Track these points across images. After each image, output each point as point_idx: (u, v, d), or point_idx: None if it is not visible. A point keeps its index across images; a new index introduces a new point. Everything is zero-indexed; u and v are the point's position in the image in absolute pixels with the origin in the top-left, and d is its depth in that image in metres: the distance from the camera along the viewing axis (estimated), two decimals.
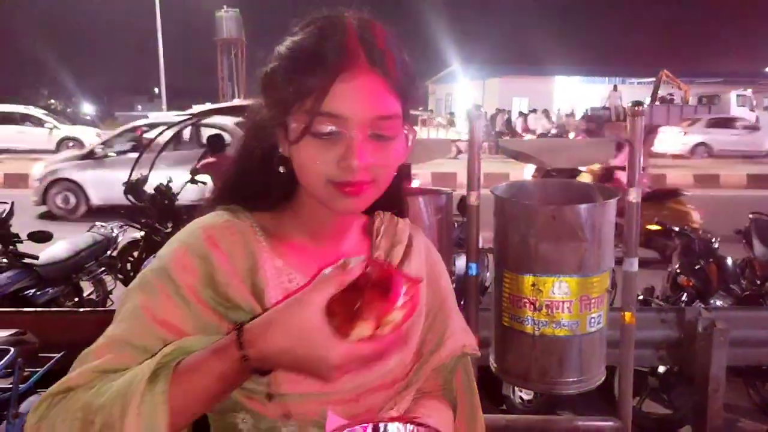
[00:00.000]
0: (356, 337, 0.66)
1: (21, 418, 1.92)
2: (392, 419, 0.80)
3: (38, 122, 18.64)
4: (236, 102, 8.87)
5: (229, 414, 0.82)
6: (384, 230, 0.93)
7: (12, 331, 2.12)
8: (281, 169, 0.83)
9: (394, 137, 0.79)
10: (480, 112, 2.34)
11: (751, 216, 4.49)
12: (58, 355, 2.14)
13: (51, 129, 18.18)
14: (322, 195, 0.80)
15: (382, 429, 0.78)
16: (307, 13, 0.82)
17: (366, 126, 0.76)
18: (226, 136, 6.66)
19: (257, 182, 0.87)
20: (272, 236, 0.86)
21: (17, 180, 12.10)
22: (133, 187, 5.19)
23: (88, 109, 40.96)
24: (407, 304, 0.68)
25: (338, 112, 0.75)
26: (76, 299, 4.42)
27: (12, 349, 1.99)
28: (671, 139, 18.18)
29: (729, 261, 4.04)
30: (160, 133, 6.32)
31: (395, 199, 0.94)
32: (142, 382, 0.68)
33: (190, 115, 6.60)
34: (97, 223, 4.85)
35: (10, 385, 2.05)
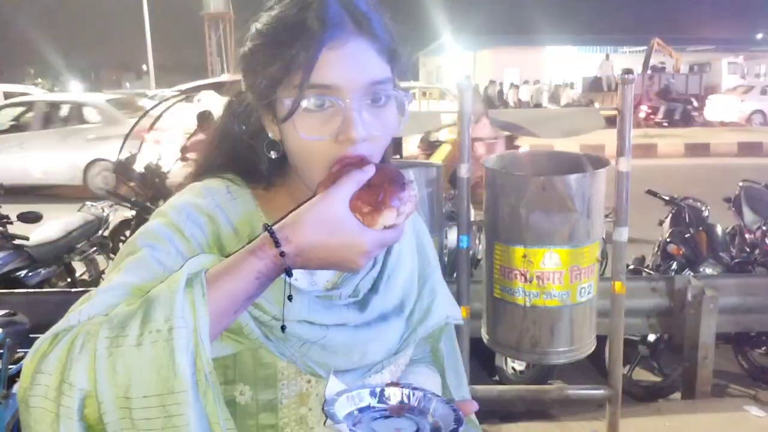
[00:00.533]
0: (382, 224, 0.72)
1: (12, 399, 1.93)
2: (388, 385, 0.82)
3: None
4: (224, 77, 8.79)
5: (229, 386, 0.81)
6: None
7: (2, 312, 2.11)
8: (272, 155, 0.81)
9: (388, 103, 0.78)
10: (469, 84, 2.32)
11: (740, 184, 4.50)
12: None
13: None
14: (320, 177, 0.77)
15: (378, 393, 0.80)
16: None
17: (360, 94, 0.74)
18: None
19: (247, 161, 0.85)
20: (268, 209, 0.85)
21: None
22: (122, 166, 5.15)
23: (75, 87, 40.41)
24: (414, 196, 0.74)
25: (330, 82, 0.73)
26: (69, 280, 4.41)
27: (0, 330, 1.98)
28: (727, 107, 18.08)
29: (718, 229, 4.06)
30: (147, 112, 6.25)
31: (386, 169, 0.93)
32: (179, 290, 0.66)
33: (177, 91, 6.52)
34: (87, 202, 4.81)
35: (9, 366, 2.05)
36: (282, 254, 0.69)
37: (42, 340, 0.67)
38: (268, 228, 0.71)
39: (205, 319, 0.65)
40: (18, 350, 2.03)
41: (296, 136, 0.75)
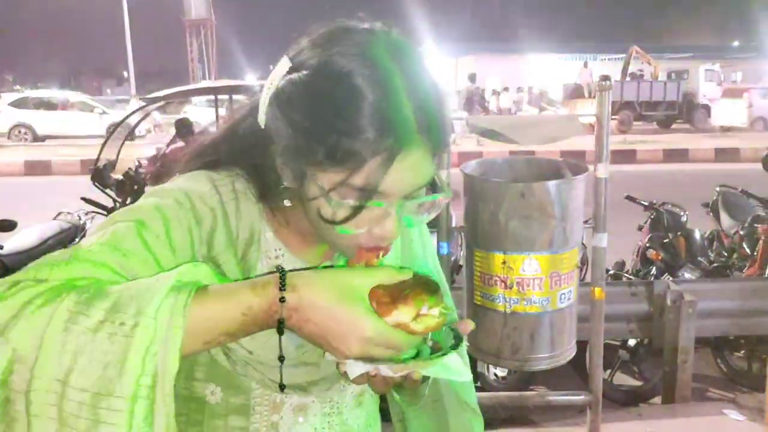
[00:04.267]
0: (395, 320, 0.65)
1: None
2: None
3: (87, 107, 18.31)
4: (205, 84, 8.73)
5: (199, 384, 0.79)
6: None
7: None
8: (286, 203, 0.75)
9: (428, 193, 0.74)
10: (450, 90, 2.32)
11: (717, 189, 4.56)
12: None
13: (101, 114, 17.86)
14: (338, 248, 0.74)
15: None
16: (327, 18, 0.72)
17: (406, 197, 0.70)
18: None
19: (258, 169, 0.78)
20: (270, 220, 0.80)
21: (70, 167, 11.91)
22: (99, 173, 5.08)
23: (55, 93, 39.95)
24: (443, 316, 0.68)
25: (382, 189, 0.67)
26: None
27: None
28: (735, 112, 18.24)
29: (697, 234, 4.10)
30: (127, 117, 6.19)
31: None
32: (163, 288, 0.59)
33: (156, 97, 6.46)
34: (63, 210, 4.74)
35: None
36: (282, 300, 0.63)
37: (0, 282, 0.60)
38: (279, 269, 0.66)
39: (179, 332, 0.58)
40: None
41: (323, 215, 0.70)
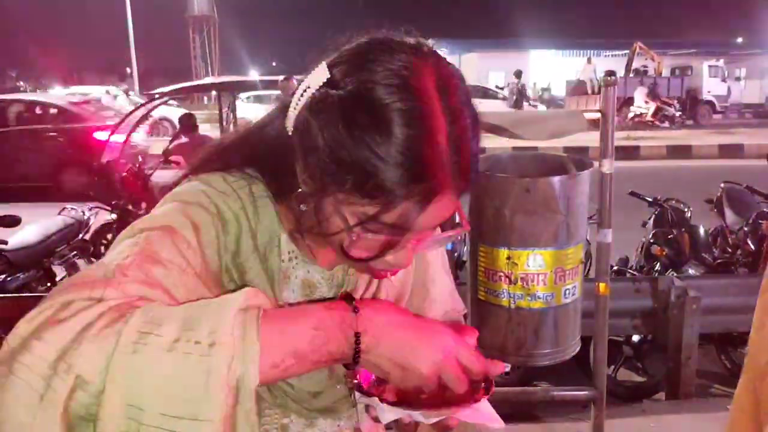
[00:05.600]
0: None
1: None
2: None
3: (131, 103, 18.36)
4: (208, 80, 8.73)
5: None
6: None
7: None
8: (303, 207, 0.71)
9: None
10: None
11: (722, 185, 4.55)
12: None
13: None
14: (351, 266, 0.75)
15: None
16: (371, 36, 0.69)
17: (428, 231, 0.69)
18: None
19: (274, 170, 0.75)
20: (286, 225, 0.77)
21: None
22: (102, 169, 5.09)
23: (58, 91, 40.02)
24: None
25: (408, 226, 0.65)
26: (49, 284, 4.34)
27: None
28: None
29: (701, 230, 4.10)
30: (130, 113, 6.19)
31: None
32: (233, 306, 0.56)
33: (159, 94, 6.47)
34: (67, 206, 4.75)
35: None
36: (355, 310, 0.61)
37: (49, 304, 0.55)
38: (346, 294, 0.67)
39: (256, 347, 0.55)
40: None
41: (340, 238, 0.68)
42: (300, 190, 0.70)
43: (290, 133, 0.69)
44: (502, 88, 21.05)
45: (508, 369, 3.35)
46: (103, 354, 0.52)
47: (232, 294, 0.59)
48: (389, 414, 0.65)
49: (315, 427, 0.81)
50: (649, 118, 18.19)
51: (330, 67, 0.66)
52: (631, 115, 18.42)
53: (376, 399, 0.66)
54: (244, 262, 0.73)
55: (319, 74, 0.66)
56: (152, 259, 0.63)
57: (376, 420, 0.67)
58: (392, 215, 0.63)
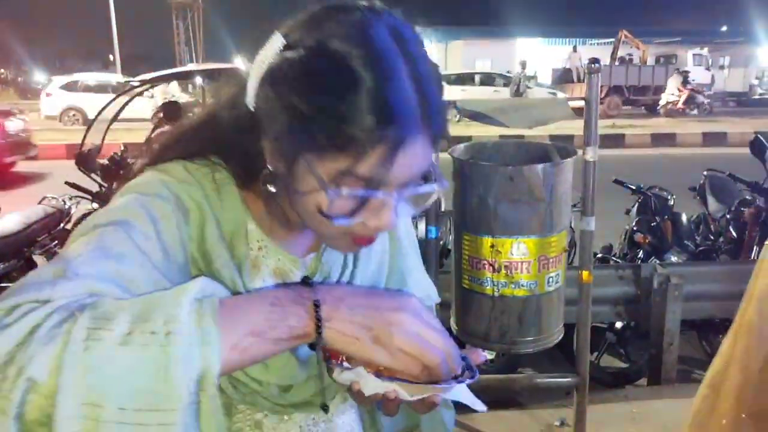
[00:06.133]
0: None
1: None
2: None
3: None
4: (191, 67, 8.63)
5: None
6: None
7: None
8: (271, 188, 0.69)
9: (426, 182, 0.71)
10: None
11: (705, 173, 4.58)
12: None
13: (150, 98, 17.74)
14: (328, 238, 0.71)
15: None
16: None
17: (405, 186, 0.67)
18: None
19: (237, 154, 0.73)
20: (254, 211, 0.76)
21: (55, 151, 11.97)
22: (84, 158, 5.01)
23: (40, 77, 39.42)
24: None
25: (381, 178, 0.63)
26: None
27: None
28: None
29: (683, 218, 4.13)
30: (112, 101, 6.11)
31: None
32: (188, 295, 0.55)
33: (140, 81, 6.38)
34: (48, 195, 4.68)
35: None
36: (309, 282, 0.62)
37: None
38: (303, 278, 0.66)
39: (213, 330, 0.54)
40: None
41: (317, 205, 0.66)
42: (267, 170, 0.69)
43: (252, 109, 0.68)
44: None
45: (492, 357, 3.37)
46: (54, 354, 0.50)
47: (186, 284, 0.58)
48: (373, 386, 0.64)
49: (291, 421, 0.79)
50: (680, 105, 18.41)
51: (285, 35, 0.66)
52: (662, 102, 18.63)
53: (362, 369, 0.64)
54: (210, 250, 0.71)
55: (274, 43, 0.66)
56: (105, 255, 0.61)
57: (360, 395, 0.66)
58: (366, 165, 0.62)
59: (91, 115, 16.85)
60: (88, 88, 17.92)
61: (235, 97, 0.72)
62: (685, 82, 18.86)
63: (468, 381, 0.68)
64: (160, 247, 0.65)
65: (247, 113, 0.68)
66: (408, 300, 0.65)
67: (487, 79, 20.34)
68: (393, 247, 0.91)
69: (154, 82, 6.82)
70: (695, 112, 18.59)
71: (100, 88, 18.07)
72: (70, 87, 17.93)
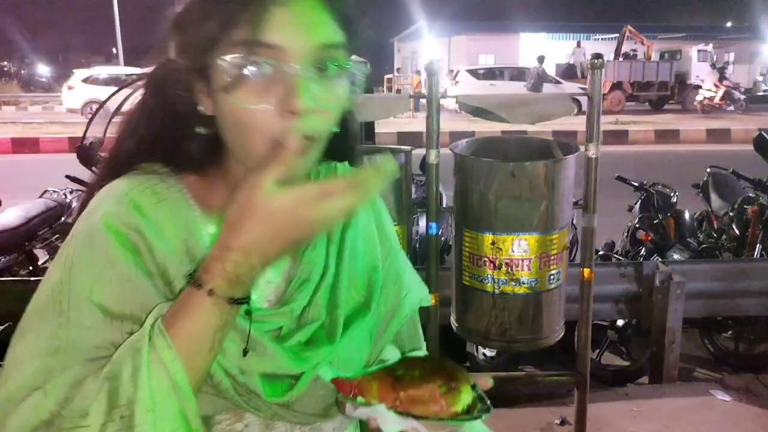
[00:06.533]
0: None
1: None
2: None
3: None
4: None
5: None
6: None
7: None
8: (202, 130, 0.71)
9: (341, 72, 0.68)
10: (438, 68, 2.28)
11: (708, 170, 4.56)
12: (2, 327, 2.05)
13: None
14: (254, 153, 0.68)
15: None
16: None
17: (309, 57, 0.65)
18: None
19: (174, 143, 0.73)
20: (204, 203, 0.75)
21: (57, 144, 11.80)
22: (85, 151, 4.99)
23: (43, 70, 39.37)
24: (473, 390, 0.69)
25: (273, 42, 0.63)
26: (31, 268, 4.28)
27: None
28: None
29: (686, 215, 4.10)
30: (113, 94, 6.09)
31: (346, 146, 0.81)
32: (142, 345, 0.61)
33: (139, 75, 6.35)
34: (49, 188, 4.67)
35: None
36: (210, 292, 0.63)
37: None
38: (189, 274, 0.66)
39: (182, 374, 0.61)
40: None
41: (232, 109, 0.66)
42: (197, 111, 0.70)
43: (169, 72, 0.71)
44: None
45: (492, 354, 3.36)
46: None
47: (134, 335, 0.63)
48: (394, 423, 0.65)
49: (273, 429, 0.77)
50: (717, 101, 18.37)
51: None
52: (699, 98, 18.57)
53: (382, 406, 0.65)
54: (166, 267, 0.69)
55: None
56: (51, 351, 0.64)
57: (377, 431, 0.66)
58: (244, 27, 0.63)
59: (112, 108, 16.90)
60: (108, 82, 18.07)
61: (143, 98, 0.76)
62: (722, 78, 18.78)
63: (486, 416, 0.69)
64: (125, 279, 0.67)
65: (153, 96, 0.73)
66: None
67: (519, 74, 19.57)
68: (385, 247, 0.89)
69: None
70: (732, 108, 18.53)
71: (121, 82, 18.25)
72: (91, 80, 18.06)
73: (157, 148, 0.74)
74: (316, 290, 0.78)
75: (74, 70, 20.18)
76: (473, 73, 19.60)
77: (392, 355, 0.89)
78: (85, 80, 18.13)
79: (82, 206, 0.74)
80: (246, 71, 0.64)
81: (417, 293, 0.92)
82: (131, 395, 0.59)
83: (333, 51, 0.67)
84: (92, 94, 17.47)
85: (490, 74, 19.68)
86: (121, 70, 20.14)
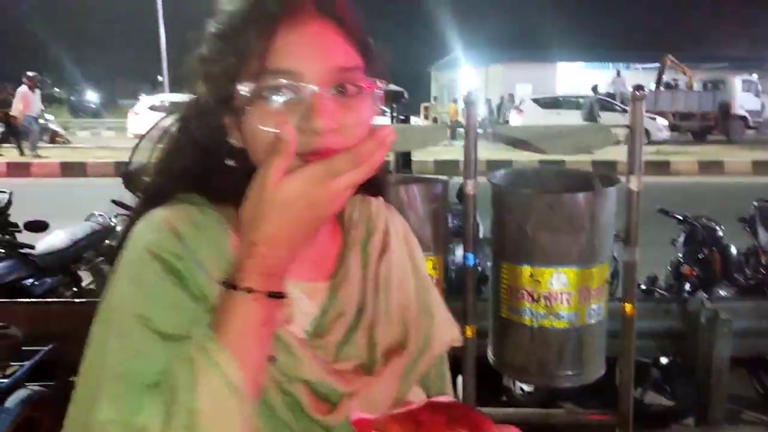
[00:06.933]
0: None
1: (6, 412, 1.88)
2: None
3: None
4: None
5: None
6: (358, 217, 0.84)
7: None
8: (232, 162, 0.74)
9: (360, 92, 0.70)
10: (476, 98, 2.28)
11: (755, 203, 4.42)
12: (46, 349, 2.09)
13: None
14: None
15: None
16: None
17: (326, 80, 0.67)
18: None
19: (207, 176, 0.76)
20: (239, 232, 0.74)
21: (104, 169, 12.13)
22: (131, 176, 5.13)
23: (92, 96, 40.81)
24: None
25: (289, 67, 0.66)
26: (75, 289, 4.39)
27: None
28: None
29: (733, 249, 3.98)
30: (158, 123, 6.28)
31: (378, 179, 0.83)
32: (195, 355, 0.63)
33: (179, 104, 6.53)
34: (95, 212, 4.80)
35: (2, 380, 2.00)
36: (249, 289, 0.65)
37: None
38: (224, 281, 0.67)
39: (239, 375, 0.63)
40: (11, 364, 1.99)
41: (256, 134, 0.68)
42: (227, 144, 0.73)
43: (195, 97, 0.74)
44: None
45: (530, 389, 3.28)
46: None
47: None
48: None
49: None
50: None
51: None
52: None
53: None
54: (211, 299, 0.70)
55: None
56: (136, 377, 0.65)
57: None
58: (260, 56, 0.66)
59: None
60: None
61: (178, 129, 0.79)
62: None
63: None
64: (182, 301, 0.69)
65: (187, 129, 0.76)
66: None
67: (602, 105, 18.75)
68: (418, 282, 0.88)
69: None
70: None
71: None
72: (156, 108, 18.78)
73: (190, 180, 0.76)
74: (355, 328, 0.78)
75: (140, 96, 20.96)
76: (538, 101, 19.42)
77: (417, 396, 0.86)
78: (151, 107, 18.79)
79: (124, 235, 0.76)
80: (267, 97, 0.67)
81: (448, 333, 0.90)
82: (190, 404, 0.60)
83: (350, 73, 0.69)
84: (156, 119, 18.13)
85: (556, 103, 19.42)
86: (184, 97, 20.78)
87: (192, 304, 0.69)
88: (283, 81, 0.66)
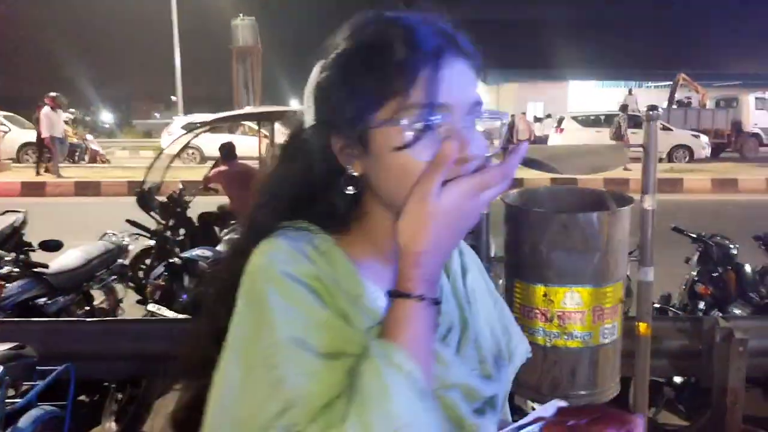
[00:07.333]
0: None
1: None
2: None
3: (252, 132, 18.94)
4: (248, 109, 8.91)
5: None
6: None
7: (9, 345, 2.08)
8: (350, 189, 0.75)
9: (483, 125, 0.76)
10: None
11: None
12: (60, 368, 2.10)
13: (263, 137, 18.59)
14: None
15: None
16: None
17: (468, 114, 0.73)
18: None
19: (316, 204, 0.78)
20: (351, 256, 0.78)
21: (117, 188, 12.32)
22: (144, 196, 5.19)
23: (107, 117, 41.36)
24: None
25: (443, 101, 0.69)
26: (87, 308, 4.42)
27: (0, 367, 1.93)
28: None
29: (748, 268, 3.94)
30: (174, 141, 6.35)
31: None
32: (380, 366, 0.64)
33: (202, 122, 6.62)
34: (108, 231, 4.86)
35: (15, 400, 2.00)
36: (421, 297, 0.68)
37: None
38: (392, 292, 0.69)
39: (424, 381, 0.65)
40: (24, 384, 2.00)
41: (406, 161, 0.70)
42: (346, 172, 0.75)
43: (313, 123, 0.76)
44: (541, 119, 20.60)
45: None
46: None
47: (366, 362, 0.66)
48: None
49: None
50: None
51: (319, 61, 0.77)
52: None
53: None
54: (346, 313, 0.73)
55: (315, 70, 0.77)
56: (318, 389, 0.66)
57: None
58: (417, 90, 0.69)
59: (207, 153, 17.61)
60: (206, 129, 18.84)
61: (295, 143, 0.79)
62: None
63: None
64: (330, 317, 0.71)
65: (310, 154, 0.77)
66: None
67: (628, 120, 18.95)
68: (493, 297, 0.93)
69: (213, 124, 7.07)
70: None
71: (217, 129, 18.95)
72: (189, 127, 18.87)
73: (298, 209, 0.79)
74: (464, 339, 0.83)
75: (174, 118, 21.17)
76: (577, 119, 19.36)
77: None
78: (184, 127, 18.92)
79: (234, 268, 0.76)
80: (423, 129, 0.70)
81: (524, 345, 0.95)
82: (388, 413, 0.61)
83: (479, 106, 0.75)
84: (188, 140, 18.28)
85: (596, 121, 19.30)
86: (212, 117, 20.87)
87: (338, 321, 0.71)
88: (437, 114, 0.70)
